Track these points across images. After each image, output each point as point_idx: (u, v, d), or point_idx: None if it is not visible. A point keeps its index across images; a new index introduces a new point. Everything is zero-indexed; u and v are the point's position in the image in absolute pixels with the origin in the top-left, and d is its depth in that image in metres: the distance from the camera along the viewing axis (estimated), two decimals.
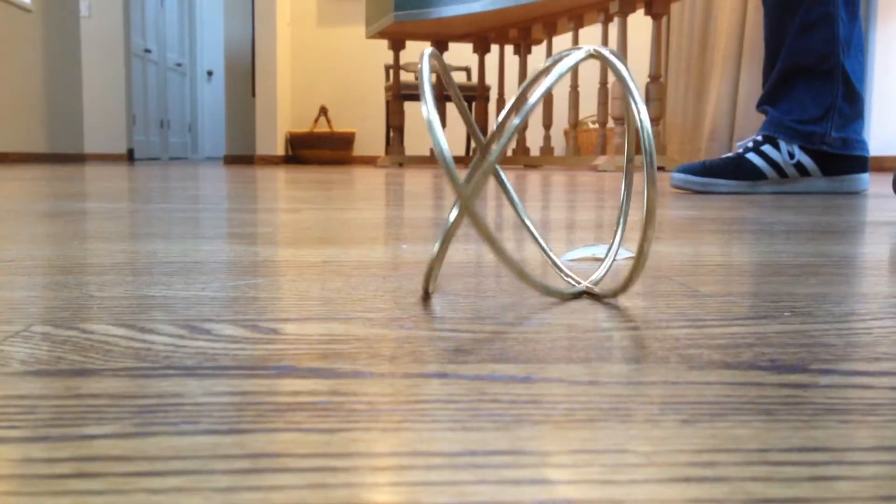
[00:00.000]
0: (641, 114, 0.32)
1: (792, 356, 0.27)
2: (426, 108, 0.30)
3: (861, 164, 1.46)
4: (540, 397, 0.23)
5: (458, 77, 5.24)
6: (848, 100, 1.42)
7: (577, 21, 3.57)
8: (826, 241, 0.65)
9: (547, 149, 3.88)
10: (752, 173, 1.46)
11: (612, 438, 0.19)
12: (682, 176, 1.50)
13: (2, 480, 0.16)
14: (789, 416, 0.21)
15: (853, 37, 1.41)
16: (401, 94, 4.27)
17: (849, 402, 0.22)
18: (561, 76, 0.30)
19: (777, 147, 1.45)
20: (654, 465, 0.18)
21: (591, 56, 0.33)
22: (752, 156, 1.46)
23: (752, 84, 3.90)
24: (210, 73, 8.81)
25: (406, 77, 5.20)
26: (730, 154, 1.50)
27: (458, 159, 4.54)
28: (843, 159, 1.45)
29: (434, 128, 0.29)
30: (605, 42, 3.37)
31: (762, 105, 1.50)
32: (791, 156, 1.44)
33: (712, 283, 0.43)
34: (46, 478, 0.17)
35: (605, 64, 0.32)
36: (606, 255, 0.42)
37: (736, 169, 1.46)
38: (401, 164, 4.27)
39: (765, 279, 0.45)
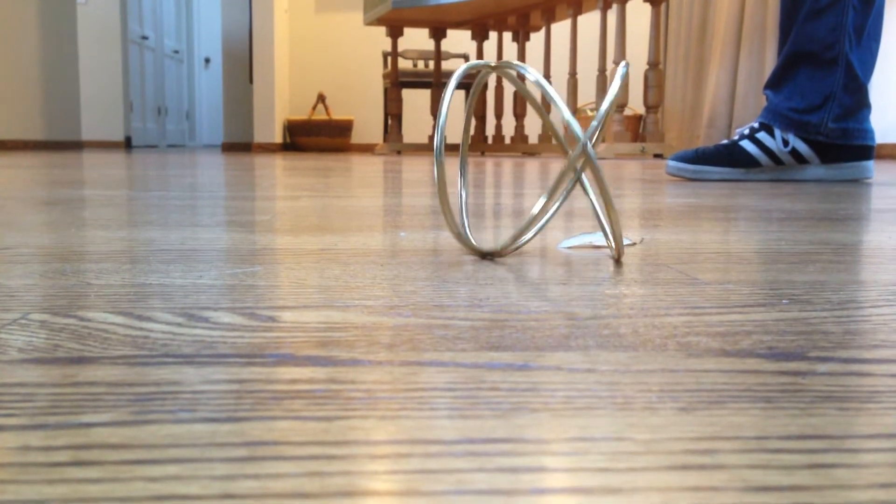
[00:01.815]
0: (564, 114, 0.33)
1: (790, 344, 0.27)
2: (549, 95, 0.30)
3: (863, 151, 1.44)
4: (538, 385, 0.23)
5: (455, 64, 5.22)
6: (849, 91, 1.40)
7: (576, 8, 3.55)
8: (825, 229, 0.65)
9: (545, 136, 3.88)
10: (746, 160, 1.45)
11: (611, 426, 0.19)
12: (675, 163, 1.50)
13: None
14: (788, 404, 0.21)
15: (867, 25, 1.39)
16: (399, 82, 4.26)
17: (847, 390, 0.22)
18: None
19: (772, 134, 1.44)
20: (652, 452, 0.18)
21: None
22: (745, 143, 1.46)
23: (750, 71, 3.89)
24: (207, 61, 8.78)
25: (404, 64, 5.18)
26: (724, 141, 1.49)
27: (455, 146, 4.53)
28: (842, 147, 1.44)
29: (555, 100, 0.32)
30: (603, 29, 3.36)
31: (766, 88, 1.49)
32: (786, 143, 1.43)
33: (710, 270, 0.43)
34: (44, 466, 0.17)
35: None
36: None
37: (729, 156, 1.46)
38: (399, 152, 4.26)
39: (763, 267, 0.45)
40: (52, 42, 5.32)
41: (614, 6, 3.29)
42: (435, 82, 4.17)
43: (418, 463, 0.17)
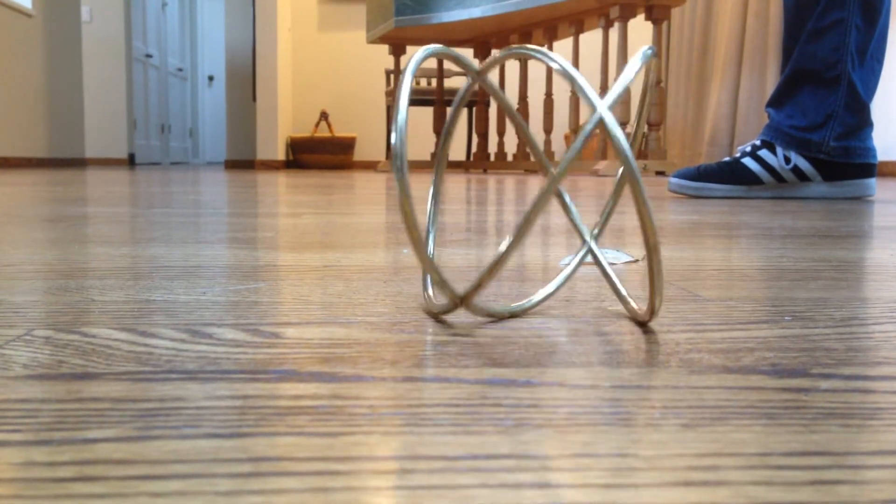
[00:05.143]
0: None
1: (793, 360, 0.27)
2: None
3: (865, 169, 1.45)
4: (541, 401, 0.23)
5: (459, 81, 5.25)
6: (851, 110, 1.40)
7: (578, 26, 3.57)
8: (827, 246, 0.65)
9: (548, 153, 3.89)
10: (748, 178, 1.46)
11: (614, 442, 0.19)
12: (677, 181, 1.50)
13: (4, 484, 0.16)
14: (790, 421, 0.21)
15: (870, 45, 1.39)
16: None
17: (850, 407, 0.22)
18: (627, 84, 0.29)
19: (774, 152, 1.45)
20: (655, 468, 0.18)
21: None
22: (748, 160, 1.46)
23: (752, 89, 3.91)
24: (211, 78, 8.82)
25: None
26: (726, 159, 1.49)
27: (458, 164, 4.55)
28: (844, 165, 1.44)
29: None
30: (605, 47, 3.38)
31: (768, 106, 1.49)
32: (787, 160, 1.43)
33: (713, 287, 0.43)
34: (48, 481, 0.17)
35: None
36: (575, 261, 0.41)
37: (731, 173, 1.46)
38: None
39: (765, 284, 0.45)
40: (56, 59, 5.35)
41: (616, 24, 3.31)
42: (438, 100, 4.18)
43: (422, 479, 0.17)
